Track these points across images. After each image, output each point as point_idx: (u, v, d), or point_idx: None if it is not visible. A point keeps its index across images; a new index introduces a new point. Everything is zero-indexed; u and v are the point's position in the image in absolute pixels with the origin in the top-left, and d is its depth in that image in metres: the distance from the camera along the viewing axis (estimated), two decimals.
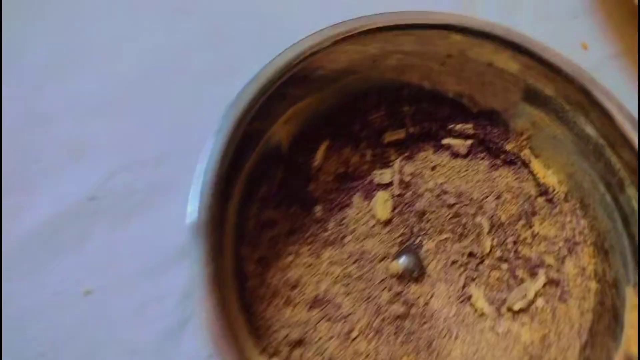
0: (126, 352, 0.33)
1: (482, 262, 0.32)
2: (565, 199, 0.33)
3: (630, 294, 0.29)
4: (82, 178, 0.38)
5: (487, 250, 0.32)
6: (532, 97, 0.32)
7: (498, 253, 0.32)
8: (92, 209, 0.37)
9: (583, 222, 0.32)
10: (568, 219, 0.32)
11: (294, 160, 0.32)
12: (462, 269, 0.32)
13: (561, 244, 0.32)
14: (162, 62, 0.43)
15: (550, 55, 0.30)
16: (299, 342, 0.28)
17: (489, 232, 0.32)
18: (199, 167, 0.26)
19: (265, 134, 0.30)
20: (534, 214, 0.33)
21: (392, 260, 0.31)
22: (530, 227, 0.32)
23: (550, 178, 0.33)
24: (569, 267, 0.31)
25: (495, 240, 0.32)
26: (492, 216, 0.33)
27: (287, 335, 0.28)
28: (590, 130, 0.30)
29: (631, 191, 0.29)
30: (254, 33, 0.44)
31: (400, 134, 0.34)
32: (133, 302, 0.35)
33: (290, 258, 0.30)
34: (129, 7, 0.45)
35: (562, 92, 0.30)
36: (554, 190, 0.33)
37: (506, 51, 0.30)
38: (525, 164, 0.34)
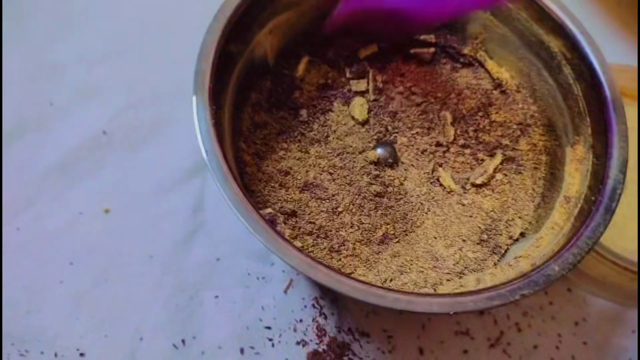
0: (145, 258, 0.38)
1: (448, 149, 0.37)
2: (517, 90, 0.37)
3: (569, 151, 0.34)
4: (94, 116, 0.43)
5: (451, 139, 0.37)
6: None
7: (461, 141, 0.37)
8: (105, 142, 0.42)
9: (533, 107, 0.37)
10: (520, 106, 0.37)
11: (280, 71, 0.37)
12: (430, 156, 0.36)
13: (515, 127, 0.37)
14: (157, 14, 0.47)
15: None
16: (293, 213, 0.33)
17: (452, 123, 0.37)
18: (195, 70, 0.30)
19: (251, 43, 0.34)
20: (490, 105, 0.37)
21: (370, 151, 0.36)
22: (488, 116, 0.37)
23: (503, 74, 0.38)
24: (523, 145, 0.36)
25: (458, 130, 0.37)
26: (455, 110, 0.37)
27: (282, 207, 0.32)
28: (531, 24, 0.35)
29: (567, 69, 0.34)
30: None
31: (373, 49, 0.39)
32: (148, 217, 0.39)
33: (281, 153, 0.35)
34: None
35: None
36: (507, 84, 0.37)
37: None
38: (481, 64, 0.38)
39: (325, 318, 0.36)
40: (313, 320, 0.36)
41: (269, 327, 0.36)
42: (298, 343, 0.36)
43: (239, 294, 0.37)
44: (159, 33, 0.46)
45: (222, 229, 0.39)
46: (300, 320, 0.36)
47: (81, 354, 0.34)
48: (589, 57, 0.32)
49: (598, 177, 0.29)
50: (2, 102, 0.41)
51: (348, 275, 0.26)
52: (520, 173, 0.36)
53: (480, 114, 0.37)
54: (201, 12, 0.47)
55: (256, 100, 0.35)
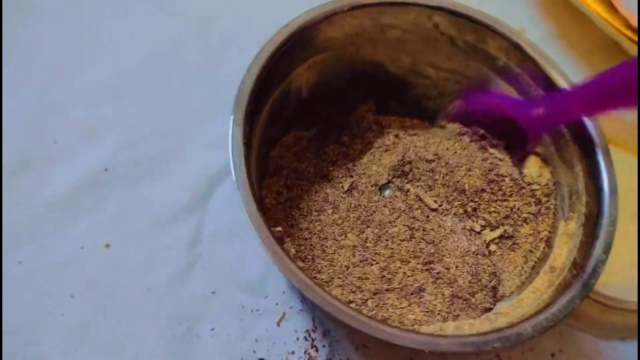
0: (142, 291, 0.40)
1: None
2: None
3: (562, 224, 0.37)
4: (96, 153, 0.45)
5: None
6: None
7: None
8: (106, 178, 0.44)
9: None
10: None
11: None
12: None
13: (524, 215, 0.39)
14: (158, 54, 0.50)
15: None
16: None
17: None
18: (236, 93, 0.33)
19: (289, 76, 0.37)
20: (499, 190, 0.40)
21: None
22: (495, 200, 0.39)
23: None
24: (526, 229, 0.38)
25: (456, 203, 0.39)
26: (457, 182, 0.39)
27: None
28: None
29: (573, 148, 0.36)
30: (237, 27, 0.51)
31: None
32: (146, 251, 0.41)
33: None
34: (125, 9, 0.52)
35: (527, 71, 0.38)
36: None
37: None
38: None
39: (317, 350, 0.38)
40: (305, 352, 0.38)
41: (262, 359, 0.38)
42: None
43: (234, 326, 0.39)
44: (159, 72, 0.48)
45: (217, 263, 0.41)
46: (293, 352, 0.38)
47: None
48: (594, 140, 0.34)
49: (583, 254, 0.31)
50: (5, 139, 0.43)
51: (337, 298, 0.28)
52: (514, 251, 0.38)
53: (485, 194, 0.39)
54: (199, 52, 0.50)
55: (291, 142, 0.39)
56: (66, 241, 0.41)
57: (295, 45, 0.35)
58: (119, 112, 0.46)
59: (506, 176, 0.38)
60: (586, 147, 0.35)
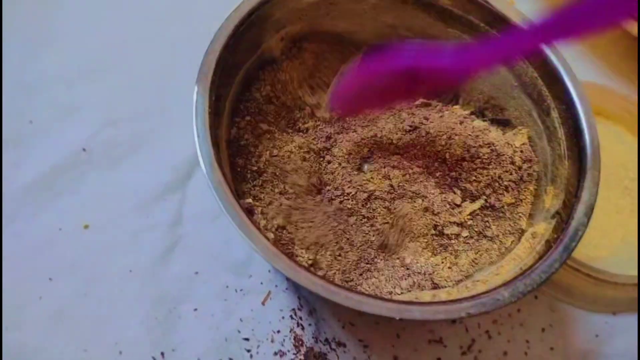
0: (124, 272, 0.39)
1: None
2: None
3: (546, 190, 0.36)
4: (73, 134, 0.43)
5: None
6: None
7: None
8: (84, 159, 0.42)
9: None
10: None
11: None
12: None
13: (505, 183, 0.38)
14: (136, 30, 0.48)
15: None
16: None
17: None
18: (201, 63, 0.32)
19: (259, 47, 0.36)
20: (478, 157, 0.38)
21: None
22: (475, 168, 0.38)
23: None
24: (507, 198, 0.37)
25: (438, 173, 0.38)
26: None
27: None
28: (527, 67, 0.36)
29: (554, 113, 0.35)
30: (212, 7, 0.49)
31: None
32: (127, 232, 0.40)
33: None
34: None
35: None
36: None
37: None
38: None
39: (303, 329, 0.37)
40: (290, 331, 0.37)
41: (247, 339, 0.37)
42: (276, 354, 0.37)
43: (218, 306, 0.38)
44: (138, 50, 0.47)
45: (200, 244, 0.40)
46: (278, 331, 0.37)
47: None
48: (576, 105, 0.33)
49: (564, 217, 0.30)
50: None
51: (307, 269, 0.27)
52: (497, 220, 0.37)
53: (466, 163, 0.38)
54: (181, 29, 0.48)
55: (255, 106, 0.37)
56: (44, 223, 0.40)
57: (265, 15, 0.34)
58: (96, 91, 0.45)
59: (485, 145, 0.37)
60: (569, 110, 0.34)
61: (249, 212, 0.31)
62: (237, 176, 0.34)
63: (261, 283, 0.39)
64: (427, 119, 0.38)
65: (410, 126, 0.38)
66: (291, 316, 0.38)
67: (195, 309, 0.38)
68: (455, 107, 0.40)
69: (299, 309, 0.38)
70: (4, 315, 0.36)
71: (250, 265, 0.39)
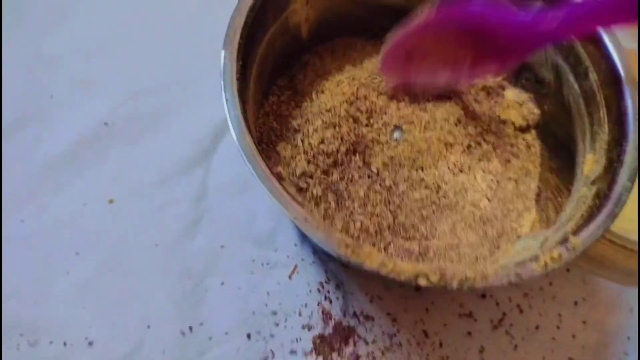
0: (149, 247, 0.38)
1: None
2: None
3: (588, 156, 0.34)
4: (94, 108, 0.43)
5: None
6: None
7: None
8: (106, 133, 0.42)
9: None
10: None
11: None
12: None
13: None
14: (156, 2, 0.47)
15: None
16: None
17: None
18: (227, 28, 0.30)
19: (286, 10, 0.34)
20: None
21: None
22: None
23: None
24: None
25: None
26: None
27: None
28: None
29: (593, 76, 0.33)
30: None
31: None
32: (151, 207, 0.40)
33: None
34: None
35: None
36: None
37: None
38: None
39: (330, 302, 0.37)
40: (318, 304, 0.37)
41: (274, 312, 0.37)
42: (304, 327, 0.36)
43: (244, 280, 0.37)
44: (159, 21, 0.46)
45: (225, 217, 0.39)
46: (306, 305, 0.37)
47: (90, 343, 0.35)
48: (617, 66, 0.31)
49: (605, 183, 0.29)
50: (2, 95, 0.41)
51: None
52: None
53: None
54: (199, 3, 0.47)
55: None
56: (68, 198, 0.39)
57: None
58: (116, 64, 0.44)
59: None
60: (608, 72, 0.32)
61: (279, 177, 0.30)
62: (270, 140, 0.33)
63: (287, 256, 0.38)
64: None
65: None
66: (318, 289, 0.37)
67: (222, 283, 0.37)
68: None
69: (326, 282, 0.37)
70: (33, 289, 0.36)
71: (276, 238, 0.39)
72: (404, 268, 0.25)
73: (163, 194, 0.40)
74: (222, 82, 0.28)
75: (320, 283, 0.37)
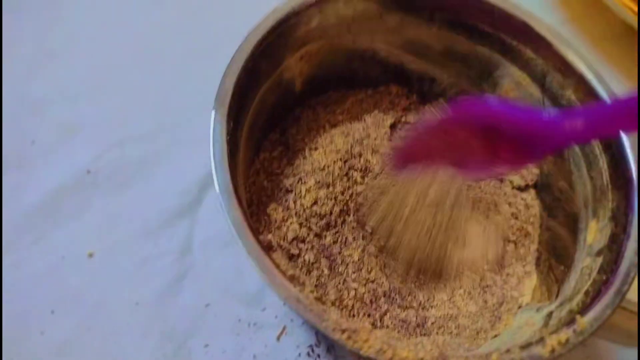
0: (130, 305, 0.36)
1: None
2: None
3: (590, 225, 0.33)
4: (78, 155, 0.41)
5: None
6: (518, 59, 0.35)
7: None
8: (89, 181, 0.40)
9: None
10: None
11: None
12: None
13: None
14: (142, 47, 0.46)
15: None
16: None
17: None
18: (219, 86, 0.29)
19: (280, 65, 0.33)
20: None
21: None
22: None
23: None
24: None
25: None
26: None
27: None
28: (563, 88, 0.33)
29: (595, 142, 0.32)
30: (225, 15, 0.47)
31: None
32: (133, 261, 0.38)
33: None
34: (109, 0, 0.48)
35: (543, 55, 0.33)
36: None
37: None
38: None
39: None
40: None
41: None
42: None
43: (230, 342, 0.35)
44: (148, 66, 0.45)
45: (211, 273, 0.38)
46: None
47: None
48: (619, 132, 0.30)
49: (612, 255, 0.28)
50: None
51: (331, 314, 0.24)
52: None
53: None
54: (189, 45, 0.46)
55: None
56: (46, 251, 0.37)
57: (284, 33, 0.32)
58: (101, 110, 0.43)
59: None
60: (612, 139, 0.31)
61: (269, 247, 0.28)
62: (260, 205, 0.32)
63: (275, 317, 0.36)
64: None
65: None
66: (308, 353, 0.35)
67: (206, 345, 0.35)
68: None
69: (316, 346, 0.36)
70: (4, 350, 0.34)
71: (263, 297, 0.37)
72: (403, 356, 0.23)
73: (146, 248, 0.38)
74: (212, 150, 0.26)
75: (311, 346, 0.36)
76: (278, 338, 0.36)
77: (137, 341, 0.35)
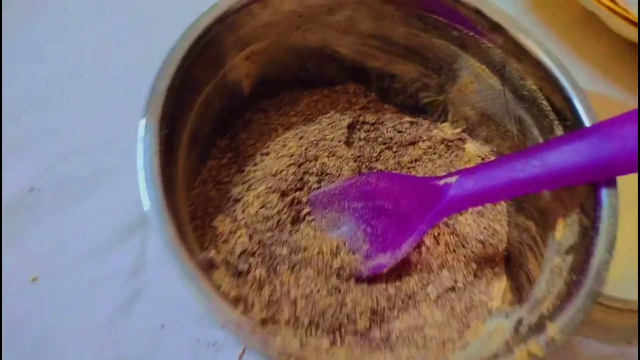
0: (79, 331, 0.34)
1: None
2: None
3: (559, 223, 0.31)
4: (19, 172, 0.39)
5: None
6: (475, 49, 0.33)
7: None
8: (32, 200, 0.38)
9: None
10: None
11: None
12: None
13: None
14: (89, 57, 0.44)
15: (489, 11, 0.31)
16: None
17: None
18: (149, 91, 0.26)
19: (223, 67, 0.31)
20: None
21: None
22: None
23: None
24: None
25: None
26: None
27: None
28: (524, 78, 0.31)
29: (559, 131, 0.30)
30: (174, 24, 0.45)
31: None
32: (81, 284, 0.35)
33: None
34: (55, 8, 0.45)
35: (499, 44, 0.31)
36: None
37: None
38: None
39: None
40: None
41: None
42: None
43: None
44: (90, 76, 0.43)
45: (165, 292, 0.35)
46: None
47: None
48: (582, 119, 0.28)
49: (582, 253, 0.26)
50: None
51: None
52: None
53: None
54: (134, 53, 0.44)
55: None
56: None
57: (224, 31, 0.29)
58: (45, 123, 0.41)
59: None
60: (575, 125, 0.29)
61: (211, 265, 0.26)
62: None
63: None
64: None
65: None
66: None
67: None
68: (444, 124, 0.36)
69: None
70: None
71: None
72: None
73: (94, 269, 0.36)
74: (140, 161, 0.24)
75: None
76: (239, 358, 0.34)
77: None
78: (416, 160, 0.35)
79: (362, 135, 0.34)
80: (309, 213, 0.31)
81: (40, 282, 0.35)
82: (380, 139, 0.35)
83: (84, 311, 0.34)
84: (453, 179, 0.28)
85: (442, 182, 0.28)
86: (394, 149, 0.35)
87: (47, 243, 0.36)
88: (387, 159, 0.34)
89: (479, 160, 0.34)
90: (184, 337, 0.34)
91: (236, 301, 0.23)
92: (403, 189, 0.30)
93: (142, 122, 0.25)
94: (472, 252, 0.32)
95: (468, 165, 0.34)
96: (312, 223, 0.31)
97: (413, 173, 0.34)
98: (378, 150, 0.35)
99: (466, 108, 0.35)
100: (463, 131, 0.36)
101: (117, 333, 0.34)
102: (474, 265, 0.32)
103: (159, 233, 0.23)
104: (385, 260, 0.30)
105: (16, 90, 0.42)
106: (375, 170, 0.34)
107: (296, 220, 0.31)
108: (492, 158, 0.34)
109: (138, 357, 0.33)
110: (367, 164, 0.34)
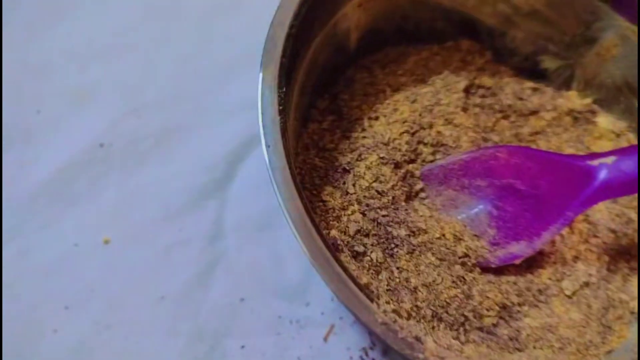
0: (154, 299, 0.32)
1: None
2: None
3: None
4: (88, 126, 0.36)
5: None
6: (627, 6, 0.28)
7: None
8: (102, 156, 0.35)
9: None
10: None
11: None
12: None
13: None
14: (161, 2, 0.40)
15: None
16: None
17: None
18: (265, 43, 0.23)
19: (336, 13, 0.27)
20: None
21: None
22: None
23: None
24: None
25: None
26: None
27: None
28: None
29: None
30: None
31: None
32: (156, 249, 0.33)
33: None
34: None
35: None
36: None
37: None
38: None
39: None
40: None
41: None
42: None
43: (269, 342, 0.31)
44: (164, 22, 0.39)
45: (245, 262, 0.33)
46: None
47: None
48: None
49: None
50: None
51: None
52: None
53: None
54: (209, 4, 0.40)
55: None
56: (56, 237, 0.33)
57: None
58: (114, 74, 0.38)
59: None
60: None
61: (336, 248, 0.23)
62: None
63: (322, 313, 0.31)
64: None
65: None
66: (361, 357, 0.30)
67: (243, 346, 0.31)
68: (569, 92, 0.31)
69: (370, 349, 0.31)
70: (11, 349, 0.29)
71: (308, 289, 0.32)
72: None
73: (169, 233, 0.33)
74: (261, 124, 0.21)
75: (364, 349, 0.31)
76: (325, 338, 0.31)
77: (162, 341, 0.31)
78: (537, 133, 0.31)
79: (477, 100, 0.30)
80: (422, 189, 0.27)
81: (112, 244, 0.33)
82: (497, 106, 0.31)
83: (159, 279, 0.32)
84: (609, 159, 0.24)
85: (595, 163, 0.24)
86: (512, 119, 0.31)
87: (119, 202, 0.34)
88: (502, 130, 0.30)
89: (613, 137, 0.30)
90: (265, 312, 0.32)
91: (367, 292, 0.20)
92: (542, 167, 0.26)
93: (260, 77, 0.21)
94: (604, 242, 0.28)
95: (599, 142, 0.30)
96: (426, 201, 0.27)
97: (534, 147, 0.30)
98: (493, 120, 0.30)
99: (603, 75, 0.30)
100: (594, 102, 0.31)
101: (194, 305, 0.32)
102: (606, 258, 0.27)
103: (286, 208, 0.19)
104: (520, 249, 0.26)
105: (81, 37, 0.39)
106: (490, 143, 0.30)
107: (409, 198, 0.27)
108: (630, 135, 0.30)
109: (216, 332, 0.31)
110: (482, 134, 0.30)
